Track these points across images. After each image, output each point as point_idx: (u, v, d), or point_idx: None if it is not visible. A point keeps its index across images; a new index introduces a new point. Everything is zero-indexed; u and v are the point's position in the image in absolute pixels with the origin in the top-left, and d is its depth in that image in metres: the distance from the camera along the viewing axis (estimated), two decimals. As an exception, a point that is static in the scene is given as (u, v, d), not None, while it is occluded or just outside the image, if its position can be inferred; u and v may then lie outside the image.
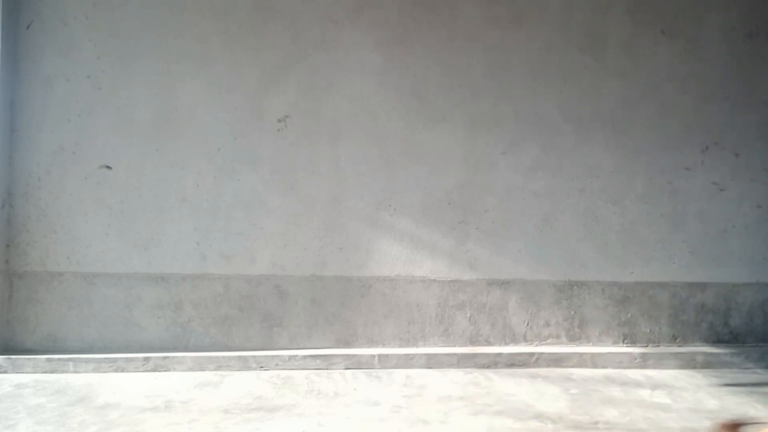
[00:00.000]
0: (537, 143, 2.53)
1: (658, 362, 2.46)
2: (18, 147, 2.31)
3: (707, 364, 2.46)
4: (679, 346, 2.58)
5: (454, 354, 2.39)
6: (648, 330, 2.59)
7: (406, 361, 2.36)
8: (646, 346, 2.57)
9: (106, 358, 2.23)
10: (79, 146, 2.33)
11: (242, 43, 2.39)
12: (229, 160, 2.39)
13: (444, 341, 2.48)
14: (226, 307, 2.38)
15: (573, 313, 2.55)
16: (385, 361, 2.35)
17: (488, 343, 2.49)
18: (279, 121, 2.38)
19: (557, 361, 2.42)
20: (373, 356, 2.35)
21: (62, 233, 2.33)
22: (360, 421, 1.79)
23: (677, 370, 2.41)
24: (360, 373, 2.27)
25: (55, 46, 2.32)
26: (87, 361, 2.21)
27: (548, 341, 2.54)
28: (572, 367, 2.40)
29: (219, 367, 2.27)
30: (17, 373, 2.17)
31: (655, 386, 2.20)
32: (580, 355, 2.45)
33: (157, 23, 2.35)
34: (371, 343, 2.44)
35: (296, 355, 2.29)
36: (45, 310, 2.31)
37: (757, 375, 2.37)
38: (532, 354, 2.43)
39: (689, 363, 2.46)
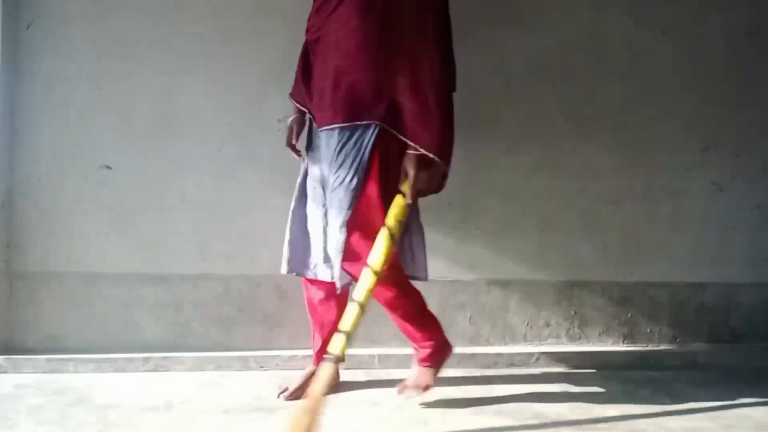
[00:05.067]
0: (537, 143, 2.53)
1: (658, 362, 2.46)
2: (18, 147, 2.30)
3: (707, 364, 2.46)
4: (679, 346, 2.58)
5: (454, 354, 2.38)
6: (648, 330, 2.59)
7: (407, 362, 2.34)
8: (646, 346, 2.57)
9: (106, 358, 2.23)
10: (79, 146, 2.33)
11: (242, 43, 2.38)
12: (229, 160, 2.38)
13: (444, 341, 2.48)
14: (227, 307, 2.38)
15: (573, 313, 2.55)
16: (385, 361, 2.35)
17: (488, 344, 2.49)
18: (279, 121, 2.38)
19: (557, 361, 2.43)
20: (373, 356, 2.35)
21: (62, 233, 2.33)
22: (361, 420, 1.79)
23: (677, 370, 2.41)
24: (360, 373, 2.27)
25: (55, 46, 2.31)
26: (87, 361, 2.21)
27: (548, 341, 2.54)
28: (572, 367, 2.40)
29: (219, 367, 2.27)
30: (17, 373, 2.17)
31: (655, 386, 2.20)
32: (580, 355, 2.45)
33: (158, 23, 2.35)
34: (371, 343, 2.44)
35: (296, 355, 2.29)
36: (45, 310, 2.31)
37: (758, 375, 2.37)
38: (532, 354, 2.43)
39: (689, 363, 2.46)
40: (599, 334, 2.56)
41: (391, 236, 1.76)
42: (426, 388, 1.95)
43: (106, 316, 2.34)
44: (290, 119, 2.11)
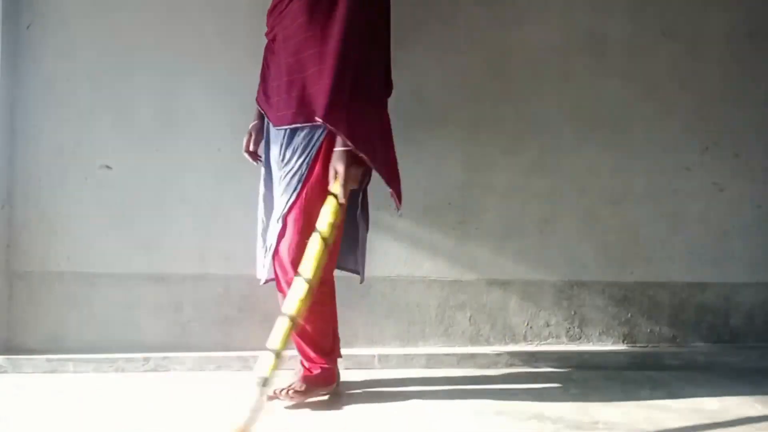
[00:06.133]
0: (537, 143, 2.53)
1: (658, 362, 2.46)
2: (18, 147, 2.31)
3: (707, 364, 2.46)
4: (679, 346, 2.58)
5: (454, 354, 2.39)
6: (648, 330, 2.59)
7: (407, 362, 2.36)
8: (646, 346, 2.57)
9: (106, 359, 2.23)
10: (79, 146, 2.33)
11: (242, 43, 2.38)
12: (229, 160, 2.38)
13: (444, 341, 2.48)
14: (227, 307, 2.38)
15: (573, 313, 2.55)
16: (385, 362, 2.35)
17: (488, 344, 2.49)
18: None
19: (557, 361, 2.43)
20: (373, 356, 2.35)
21: (62, 233, 2.33)
22: (361, 420, 1.79)
23: (677, 370, 2.41)
24: (360, 373, 2.27)
25: (55, 46, 2.31)
26: (87, 361, 2.21)
27: (548, 341, 2.54)
28: (572, 367, 2.40)
29: (219, 368, 2.27)
30: (17, 373, 2.17)
31: (655, 386, 2.20)
32: (580, 355, 2.45)
33: (158, 23, 2.35)
34: (371, 343, 2.44)
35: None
36: (45, 310, 2.31)
37: (758, 375, 2.36)
38: (532, 354, 2.43)
39: (689, 363, 2.46)
40: (599, 334, 2.56)
41: (324, 242, 1.68)
42: (293, 397, 1.87)
43: (106, 316, 2.34)
44: (251, 125, 2.09)
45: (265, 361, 1.58)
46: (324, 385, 1.94)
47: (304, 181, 1.84)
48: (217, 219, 2.38)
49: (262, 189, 2.07)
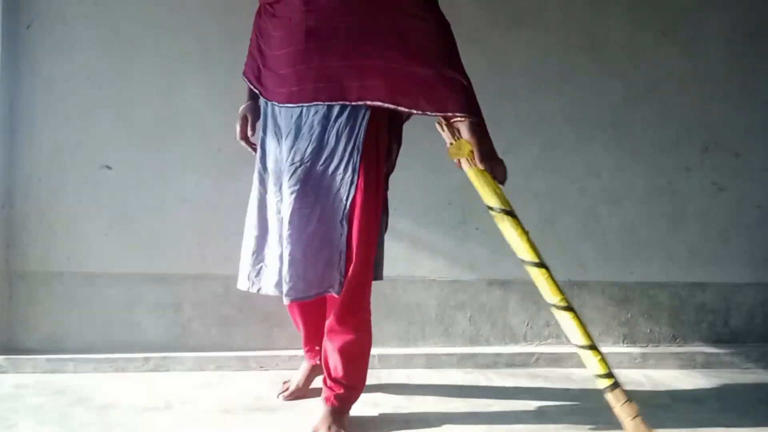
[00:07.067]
0: (537, 143, 2.53)
1: (658, 362, 2.46)
2: (18, 147, 2.31)
3: (707, 364, 2.46)
4: (679, 346, 2.58)
5: (454, 354, 2.39)
6: (648, 330, 2.59)
7: (406, 362, 2.36)
8: (646, 346, 2.57)
9: (106, 359, 2.23)
10: (79, 146, 2.33)
11: (242, 43, 2.37)
12: (229, 160, 2.38)
13: (444, 341, 2.48)
14: (227, 307, 2.38)
15: (573, 313, 2.55)
16: (385, 361, 2.35)
17: (488, 344, 2.49)
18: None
19: (557, 361, 2.43)
20: (373, 356, 2.34)
21: (62, 233, 2.33)
22: (361, 421, 1.79)
23: (677, 370, 2.41)
24: (360, 373, 2.27)
25: (55, 46, 2.31)
26: (87, 361, 2.21)
27: (548, 341, 2.54)
28: (572, 367, 2.40)
29: (219, 367, 2.27)
30: (17, 373, 2.17)
31: (655, 386, 2.21)
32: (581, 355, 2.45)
33: (158, 23, 2.35)
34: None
35: (296, 356, 2.29)
36: (45, 310, 2.31)
37: (758, 375, 2.37)
38: (532, 354, 2.43)
39: (689, 363, 2.47)
40: (599, 334, 2.56)
41: (513, 216, 1.59)
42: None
43: (106, 316, 2.34)
44: (242, 108, 1.83)
45: (590, 360, 1.51)
46: (354, 399, 1.78)
47: (359, 172, 1.62)
48: (217, 219, 2.38)
49: (257, 184, 1.83)
